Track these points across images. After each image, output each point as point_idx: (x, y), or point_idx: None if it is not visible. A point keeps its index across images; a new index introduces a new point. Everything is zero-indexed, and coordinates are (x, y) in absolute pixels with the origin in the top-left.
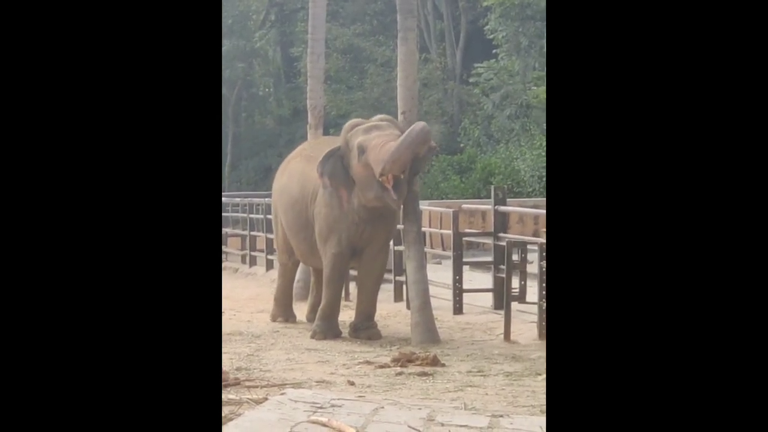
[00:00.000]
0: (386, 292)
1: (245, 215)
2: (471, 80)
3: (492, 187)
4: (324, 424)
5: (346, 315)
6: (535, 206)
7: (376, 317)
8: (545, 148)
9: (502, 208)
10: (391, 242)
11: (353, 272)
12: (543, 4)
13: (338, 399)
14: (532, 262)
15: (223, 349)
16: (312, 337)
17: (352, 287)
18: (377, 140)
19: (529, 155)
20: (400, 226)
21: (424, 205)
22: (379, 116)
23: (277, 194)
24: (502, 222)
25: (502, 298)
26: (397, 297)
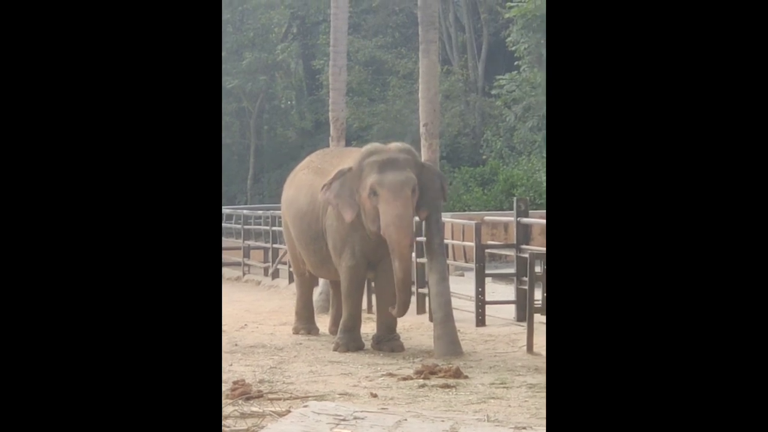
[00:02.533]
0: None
1: (267, 228)
2: (493, 92)
3: (514, 199)
4: None
5: (369, 327)
6: None
7: (399, 329)
8: None
9: (525, 220)
10: (414, 254)
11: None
12: None
13: (361, 411)
14: None
15: (246, 362)
16: (335, 349)
17: (373, 299)
18: (392, 208)
19: None
20: (422, 238)
21: (447, 217)
22: (397, 146)
23: (286, 206)
24: (525, 234)
25: (525, 309)
26: (420, 309)
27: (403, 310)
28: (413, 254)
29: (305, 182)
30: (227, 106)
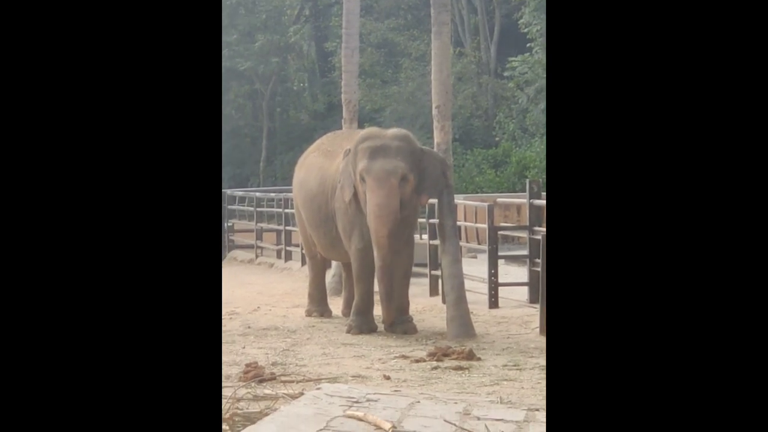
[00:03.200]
0: (422, 286)
1: (280, 210)
2: (505, 74)
3: (527, 180)
4: (360, 419)
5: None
6: None
7: (412, 311)
8: None
9: (538, 201)
10: (426, 236)
11: None
12: None
13: (374, 393)
14: None
15: (259, 344)
16: (347, 331)
17: None
18: (375, 197)
19: None
20: (434, 220)
21: (459, 199)
22: (394, 132)
23: (296, 188)
24: (538, 216)
25: (538, 291)
26: (433, 291)
27: (389, 302)
28: (426, 236)
29: (315, 164)
30: (240, 89)
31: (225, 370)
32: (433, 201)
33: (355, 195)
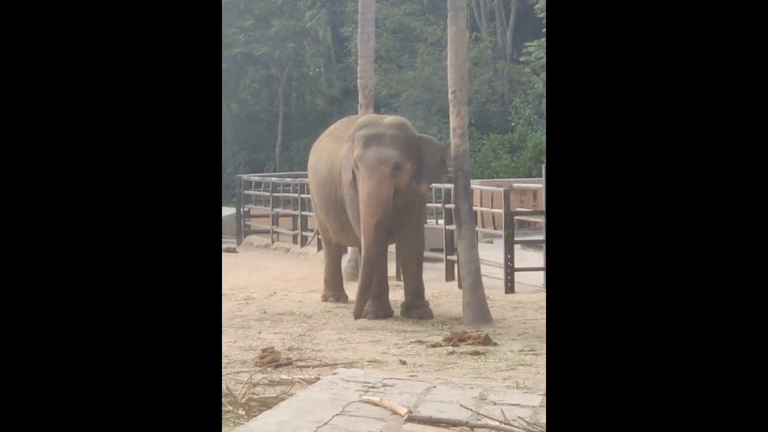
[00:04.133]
0: (438, 271)
1: (296, 195)
2: (521, 59)
3: (543, 165)
4: (376, 404)
5: (398, 294)
6: None
7: (428, 296)
8: None
9: None
10: (443, 221)
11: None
12: None
13: (390, 378)
14: None
15: (275, 329)
16: (363, 316)
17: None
18: (365, 186)
19: None
20: (450, 205)
21: (475, 184)
22: (390, 120)
23: (310, 173)
24: None
25: None
26: (449, 276)
27: (363, 294)
28: (442, 221)
29: (326, 150)
30: (255, 74)
31: (241, 356)
32: (450, 186)
33: (354, 179)
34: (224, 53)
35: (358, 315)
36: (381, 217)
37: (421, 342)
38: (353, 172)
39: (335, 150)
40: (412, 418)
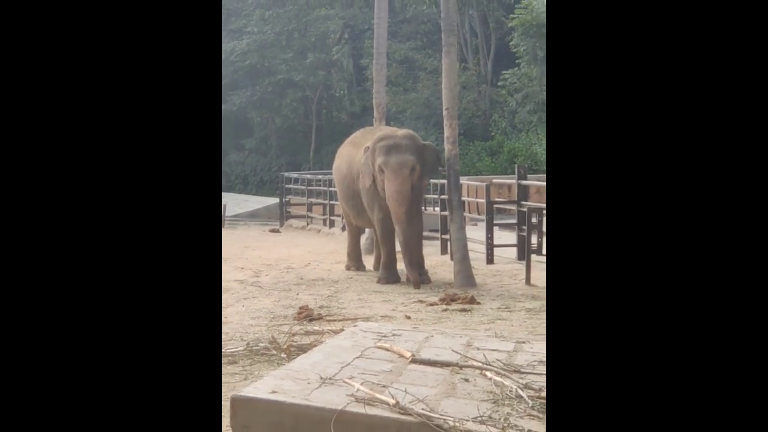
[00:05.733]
0: (434, 247)
1: (326, 188)
2: (499, 83)
3: (516, 166)
4: (387, 349)
5: (404, 265)
6: None
7: (426, 266)
8: None
9: (524, 182)
10: (438, 208)
11: None
12: None
13: (398, 329)
14: (545, 224)
15: (309, 292)
16: (377, 282)
17: None
18: (392, 185)
19: (545, 141)
20: (444, 196)
21: (464, 180)
22: (403, 133)
23: (335, 172)
24: (524, 193)
25: (524, 251)
26: (443, 251)
27: (413, 267)
28: (438, 208)
29: (347, 154)
30: (294, 95)
31: (283, 312)
32: (444, 181)
33: (373, 182)
34: (269, 79)
35: (417, 284)
36: (407, 206)
37: (421, 301)
38: (373, 177)
39: (353, 153)
40: (415, 360)
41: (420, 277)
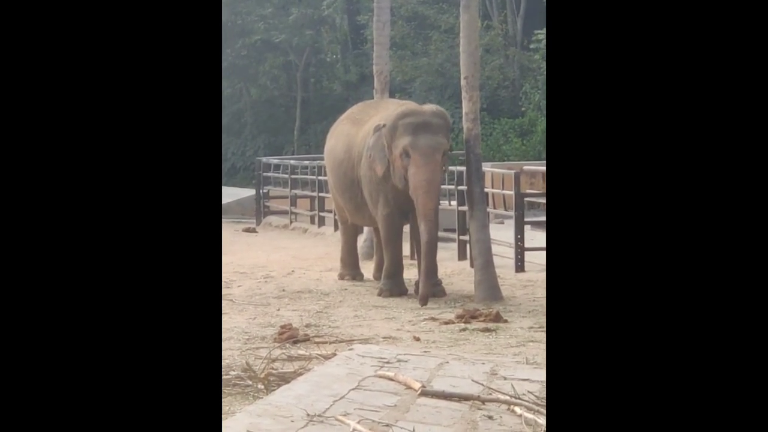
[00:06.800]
0: (450, 250)
1: (314, 177)
2: (531, 46)
3: None
4: (391, 379)
5: (411, 273)
6: None
7: (441, 275)
8: None
9: None
10: (455, 203)
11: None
12: None
13: (404, 354)
14: None
15: (293, 307)
16: (379, 294)
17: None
18: (422, 173)
19: None
20: (463, 187)
21: (487, 167)
22: (432, 109)
23: (326, 156)
24: None
25: None
26: (461, 256)
27: (428, 279)
28: (455, 203)
29: (343, 132)
30: (274, 60)
31: (260, 332)
32: (462, 168)
33: (390, 170)
34: (244, 40)
35: (425, 299)
36: (438, 199)
37: (434, 319)
38: (389, 161)
39: (352, 132)
40: (425, 393)
41: (432, 289)
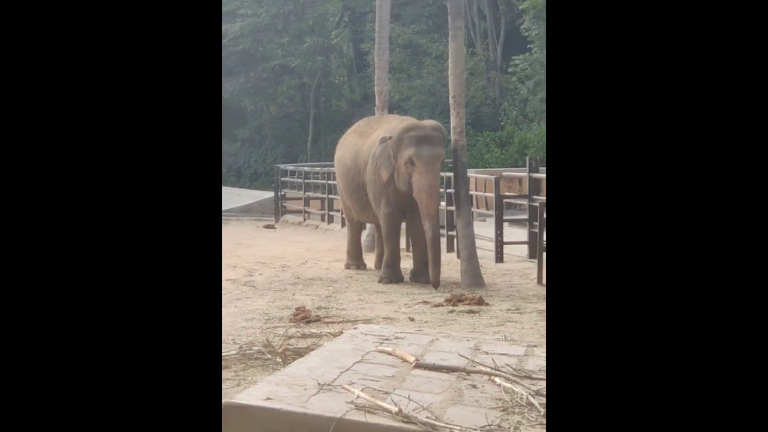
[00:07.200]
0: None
1: (324, 181)
2: (510, 70)
3: (527, 158)
4: (389, 353)
5: (407, 263)
6: None
7: None
8: None
9: (536, 174)
10: (444, 203)
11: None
12: None
13: (401, 332)
14: None
15: (306, 292)
16: (379, 281)
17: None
18: (425, 178)
19: None
20: (450, 190)
21: (471, 173)
22: (431, 124)
23: (336, 163)
24: (536, 186)
25: (536, 248)
26: (449, 248)
27: (437, 267)
28: (444, 203)
29: (351, 143)
30: (290, 82)
31: (278, 313)
32: (450, 174)
33: (395, 175)
34: (265, 65)
35: (437, 284)
36: (438, 201)
37: (426, 302)
38: (394, 168)
39: (359, 143)
40: (419, 365)
41: (424, 277)
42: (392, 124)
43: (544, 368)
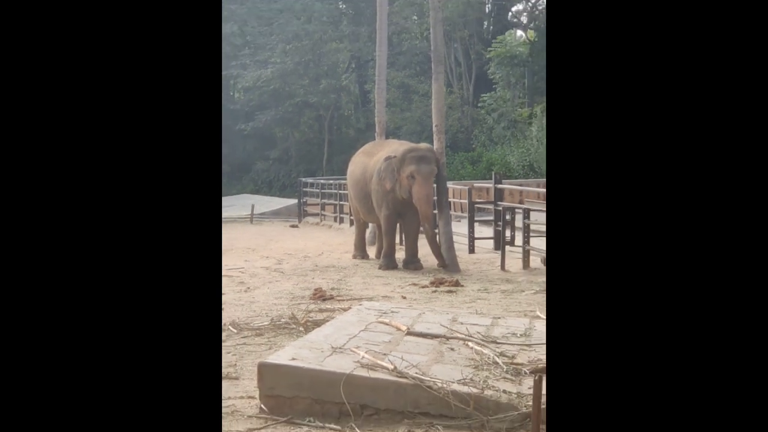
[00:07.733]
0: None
1: (336, 191)
2: (479, 105)
3: (493, 172)
4: (387, 324)
5: (400, 254)
6: (519, 185)
7: (419, 255)
8: (526, 148)
9: (499, 185)
10: None
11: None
12: (525, 56)
13: (396, 307)
14: (517, 220)
15: (322, 276)
16: (379, 268)
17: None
18: (423, 189)
19: (517, 152)
20: (435, 198)
21: (450, 185)
22: (426, 146)
23: (348, 177)
24: (499, 195)
25: (500, 242)
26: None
27: (437, 255)
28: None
29: (360, 161)
30: (310, 114)
31: (301, 293)
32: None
33: (396, 185)
34: (290, 101)
35: (445, 265)
36: (432, 208)
37: (415, 284)
38: (397, 180)
39: (365, 161)
40: (410, 333)
41: (413, 265)
42: (393, 147)
43: (506, 335)
